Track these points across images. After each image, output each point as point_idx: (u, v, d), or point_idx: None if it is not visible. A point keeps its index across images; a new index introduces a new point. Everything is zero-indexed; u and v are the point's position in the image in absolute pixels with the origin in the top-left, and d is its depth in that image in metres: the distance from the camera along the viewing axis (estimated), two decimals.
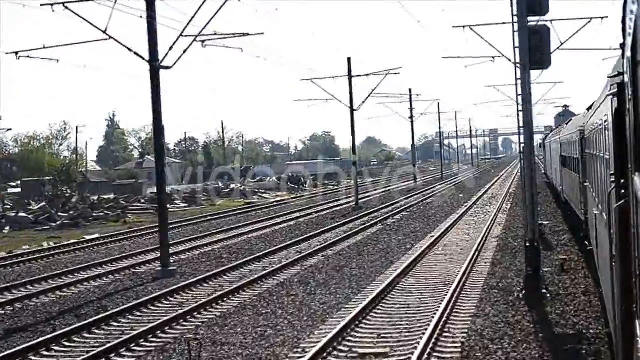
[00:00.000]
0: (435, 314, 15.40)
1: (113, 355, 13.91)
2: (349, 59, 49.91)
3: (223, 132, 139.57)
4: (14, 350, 14.33)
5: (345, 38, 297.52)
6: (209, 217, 47.65)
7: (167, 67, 23.66)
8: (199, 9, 23.19)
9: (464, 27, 32.20)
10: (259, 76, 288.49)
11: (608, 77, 8.57)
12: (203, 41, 24.65)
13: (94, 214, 53.73)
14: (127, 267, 25.40)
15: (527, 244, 17.56)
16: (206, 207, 61.97)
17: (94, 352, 13.80)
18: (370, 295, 17.70)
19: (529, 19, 17.70)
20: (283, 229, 37.26)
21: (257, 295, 19.38)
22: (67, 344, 15.07)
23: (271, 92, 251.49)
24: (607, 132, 9.22)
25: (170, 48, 23.30)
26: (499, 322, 14.91)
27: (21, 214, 51.26)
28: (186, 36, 23.67)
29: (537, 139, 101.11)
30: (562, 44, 31.07)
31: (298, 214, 46.67)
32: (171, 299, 19.34)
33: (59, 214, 52.70)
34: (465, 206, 45.02)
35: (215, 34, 24.89)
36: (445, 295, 17.41)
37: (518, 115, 17.50)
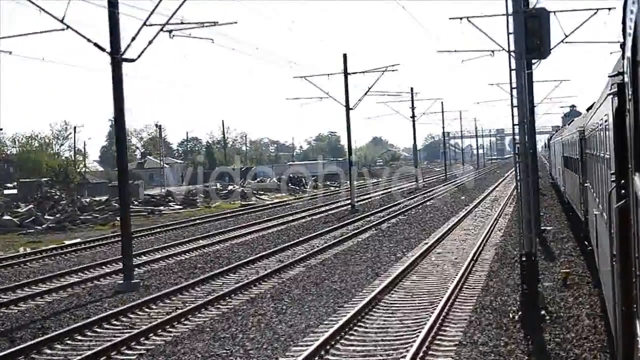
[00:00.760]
0: (415, 341, 13.24)
1: None
2: (344, 55, 47.84)
3: (224, 132, 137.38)
4: None
5: (341, 36, 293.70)
6: (199, 221, 45.55)
7: (131, 60, 21.55)
8: None
9: (460, 18, 30.21)
10: (258, 76, 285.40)
11: (609, 76, 8.53)
12: (170, 31, 22.50)
13: (82, 217, 51.78)
14: (91, 279, 23.28)
15: (523, 259, 15.32)
16: (201, 209, 59.97)
17: None
18: (346, 316, 15.53)
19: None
20: (271, 234, 35.12)
21: (221, 314, 17.21)
22: None
23: (273, 91, 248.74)
24: (608, 132, 9.10)
25: (133, 39, 21.21)
26: (488, 353, 12.73)
27: (5, 217, 49.30)
28: (151, 25, 21.57)
29: (544, 139, 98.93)
30: (566, 36, 29.06)
31: (291, 217, 44.58)
32: (124, 318, 17.18)
33: (46, 216, 50.84)
34: (466, 209, 42.73)
35: (182, 23, 22.74)
36: (430, 316, 15.24)
37: (512, 110, 15.29)
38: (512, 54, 15.08)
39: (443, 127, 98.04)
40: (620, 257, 6.15)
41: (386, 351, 13.31)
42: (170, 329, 15.86)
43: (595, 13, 28.70)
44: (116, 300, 19.71)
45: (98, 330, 16.12)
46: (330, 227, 36.30)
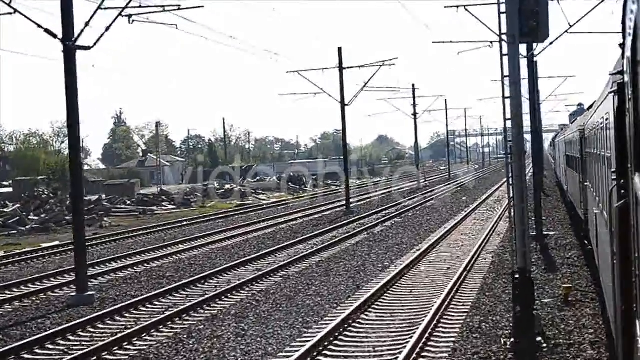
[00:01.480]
0: None
1: None
2: (339, 49, 45.68)
3: (224, 130, 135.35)
4: None
5: (337, 32, 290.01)
6: (189, 222, 43.41)
7: (86, 47, 19.43)
8: None
9: (457, 7, 28.16)
10: (258, 75, 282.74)
11: (610, 75, 8.42)
12: (130, 16, 20.35)
13: (67, 218, 49.73)
14: (44, 290, 21.16)
15: (516, 276, 13.10)
16: (195, 210, 57.90)
17: None
18: (312, 341, 13.39)
19: None
20: (256, 238, 32.97)
21: (172, 336, 15.07)
22: None
23: (274, 90, 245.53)
24: (608, 131, 9.05)
25: (87, 23, 19.05)
26: None
27: None
28: (106, 9, 19.43)
29: (551, 138, 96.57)
30: (571, 26, 26.91)
31: (283, 219, 42.42)
32: (61, 342, 15.04)
33: (31, 217, 48.88)
34: (466, 211, 40.47)
35: (141, 7, 20.63)
36: (407, 342, 13.08)
37: (504, 102, 13.08)
38: (502, 37, 12.90)
39: (447, 125, 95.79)
40: (620, 257, 6.03)
41: None
42: (110, 356, 13.74)
43: (603, 1, 26.53)
44: (63, 317, 17.58)
45: (26, 356, 14.00)
46: (321, 230, 34.16)
